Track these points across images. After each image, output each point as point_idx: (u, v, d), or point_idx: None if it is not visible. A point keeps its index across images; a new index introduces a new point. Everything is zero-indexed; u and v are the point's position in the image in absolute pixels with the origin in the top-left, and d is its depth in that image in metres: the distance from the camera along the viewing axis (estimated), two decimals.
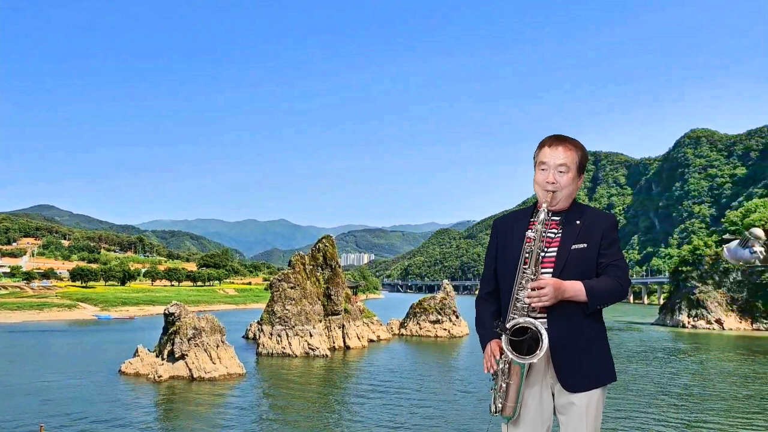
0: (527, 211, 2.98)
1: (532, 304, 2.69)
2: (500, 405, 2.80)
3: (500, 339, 2.77)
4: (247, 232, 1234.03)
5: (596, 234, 2.82)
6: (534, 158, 2.94)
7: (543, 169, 2.85)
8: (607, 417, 25.31)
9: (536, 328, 2.64)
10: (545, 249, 2.82)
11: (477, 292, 3.14)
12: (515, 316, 2.73)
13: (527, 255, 2.76)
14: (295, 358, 44.94)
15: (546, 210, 2.79)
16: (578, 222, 2.84)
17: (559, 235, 2.84)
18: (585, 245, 2.80)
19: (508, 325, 2.68)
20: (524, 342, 2.66)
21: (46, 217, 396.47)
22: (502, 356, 2.74)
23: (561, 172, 2.82)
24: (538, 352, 2.61)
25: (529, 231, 2.85)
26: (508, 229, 2.95)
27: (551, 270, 2.78)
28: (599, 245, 2.81)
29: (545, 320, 2.77)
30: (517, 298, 2.75)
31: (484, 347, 2.91)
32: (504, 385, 2.77)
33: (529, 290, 2.67)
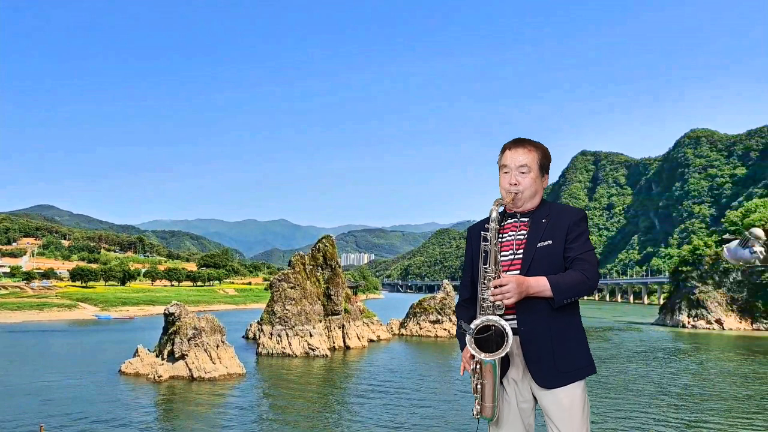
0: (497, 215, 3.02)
1: (496, 302, 2.68)
2: (479, 406, 2.78)
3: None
4: (247, 232, 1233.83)
5: (561, 229, 2.83)
6: (497, 164, 2.98)
7: (505, 172, 2.90)
8: (607, 417, 25.32)
9: (498, 324, 2.63)
10: (515, 251, 2.84)
11: (458, 298, 3.18)
12: (481, 315, 2.73)
13: (484, 254, 2.77)
14: (295, 358, 44.93)
15: (499, 208, 2.83)
16: (544, 220, 2.87)
17: (526, 235, 2.87)
18: (550, 242, 2.81)
19: (471, 325, 2.68)
20: (491, 340, 2.64)
21: (46, 217, 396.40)
22: (474, 357, 2.73)
23: (522, 172, 2.86)
24: (502, 348, 2.61)
25: (506, 236, 2.89)
26: (481, 235, 2.95)
27: (518, 271, 2.79)
28: (565, 240, 2.82)
29: (514, 319, 2.77)
30: (482, 298, 2.75)
31: (462, 351, 2.93)
32: (479, 386, 2.76)
33: (492, 288, 2.67)
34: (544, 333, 2.77)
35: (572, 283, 2.72)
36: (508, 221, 2.93)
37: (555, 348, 2.77)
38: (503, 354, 2.62)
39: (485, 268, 2.75)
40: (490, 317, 2.67)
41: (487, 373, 2.72)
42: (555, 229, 2.83)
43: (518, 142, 2.93)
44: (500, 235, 2.90)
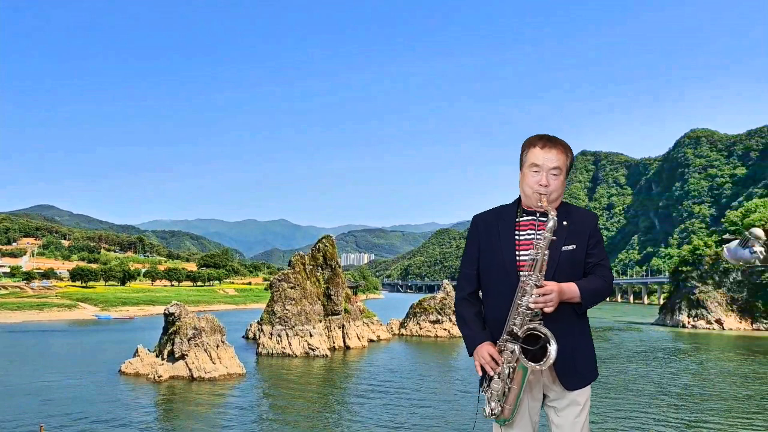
0: (510, 209, 2.95)
1: (539, 310, 2.70)
2: (498, 408, 2.80)
3: (491, 342, 2.82)
4: (247, 232, 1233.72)
5: (583, 234, 2.85)
6: (522, 158, 2.90)
7: (536, 171, 2.82)
8: (607, 417, 25.32)
9: (546, 335, 2.67)
10: (545, 254, 2.82)
11: (456, 292, 3.09)
12: (515, 322, 2.73)
13: (531, 261, 2.74)
14: (295, 358, 44.93)
15: (554, 218, 2.74)
16: (565, 223, 2.85)
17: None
18: (574, 246, 2.82)
19: (519, 333, 2.70)
20: (532, 349, 2.69)
21: (46, 217, 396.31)
22: (504, 361, 2.76)
23: (554, 174, 2.81)
24: (547, 359, 2.65)
25: (524, 233, 2.85)
26: (492, 228, 2.92)
27: (543, 273, 2.78)
28: (587, 245, 2.85)
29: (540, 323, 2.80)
30: (519, 304, 2.73)
31: (471, 349, 2.90)
32: (507, 390, 2.77)
33: (535, 296, 2.67)
34: (568, 337, 2.81)
35: (597, 290, 2.79)
36: (525, 218, 2.89)
37: (577, 351, 2.85)
38: (547, 366, 2.67)
39: (529, 275, 2.72)
40: (540, 328, 2.69)
41: (518, 379, 2.76)
42: (577, 234, 2.84)
43: (552, 142, 2.84)
44: (517, 233, 2.87)
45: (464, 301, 3.01)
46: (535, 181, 2.81)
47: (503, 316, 2.81)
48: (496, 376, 2.78)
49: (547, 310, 2.68)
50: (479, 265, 2.96)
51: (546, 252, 2.73)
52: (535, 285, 2.70)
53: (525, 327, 2.70)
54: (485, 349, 2.81)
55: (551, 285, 2.68)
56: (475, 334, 2.89)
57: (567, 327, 2.81)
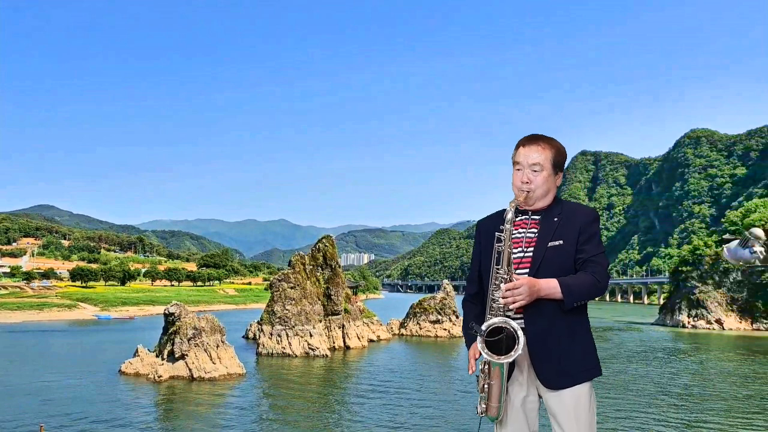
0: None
1: (507, 305, 2.65)
2: (484, 406, 2.77)
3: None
4: (247, 232, 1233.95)
5: (573, 229, 2.78)
6: (512, 159, 2.93)
7: (518, 169, 2.84)
8: (607, 417, 25.31)
9: (510, 326, 2.61)
10: (525, 249, 2.80)
11: (463, 294, 3.15)
12: (491, 317, 2.70)
13: (497, 255, 2.73)
14: (295, 358, 44.94)
15: (514, 209, 2.76)
16: (555, 219, 2.82)
17: (537, 233, 2.82)
18: (561, 242, 2.76)
19: (483, 327, 2.65)
20: (501, 342, 2.63)
21: (46, 217, 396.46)
22: (481, 357, 2.71)
23: (535, 171, 2.80)
24: (514, 351, 2.59)
25: (516, 232, 2.84)
26: (490, 229, 2.91)
27: (527, 270, 2.75)
28: (576, 241, 2.78)
29: (522, 320, 2.75)
30: (492, 299, 2.71)
31: (468, 349, 2.89)
32: (486, 386, 2.74)
33: (504, 290, 2.64)
34: (551, 334, 2.75)
35: (583, 286, 2.70)
36: (519, 218, 2.88)
37: (561, 349, 2.76)
38: (513, 358, 2.61)
39: (497, 269, 2.71)
40: (502, 319, 2.64)
41: (496, 375, 2.71)
42: (566, 228, 2.79)
43: (532, 139, 2.87)
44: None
45: (466, 302, 3.04)
46: (518, 178, 2.84)
47: None
48: (479, 374, 2.76)
49: (514, 305, 2.64)
50: (480, 267, 2.96)
51: (510, 244, 2.71)
52: (504, 279, 2.68)
53: (488, 321, 2.66)
54: (473, 349, 2.81)
55: (521, 280, 2.63)
56: (469, 334, 2.88)
57: (549, 323, 2.74)
